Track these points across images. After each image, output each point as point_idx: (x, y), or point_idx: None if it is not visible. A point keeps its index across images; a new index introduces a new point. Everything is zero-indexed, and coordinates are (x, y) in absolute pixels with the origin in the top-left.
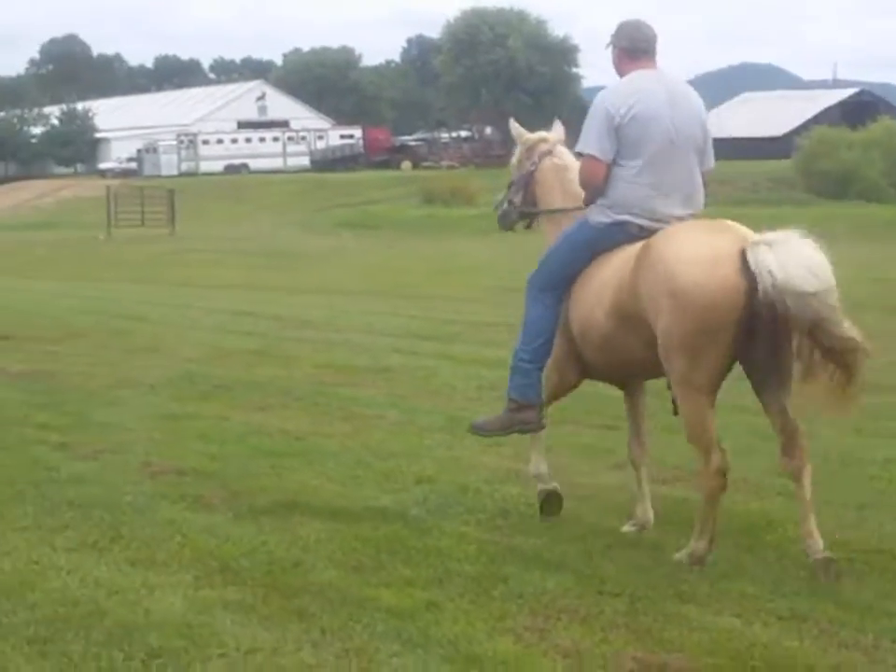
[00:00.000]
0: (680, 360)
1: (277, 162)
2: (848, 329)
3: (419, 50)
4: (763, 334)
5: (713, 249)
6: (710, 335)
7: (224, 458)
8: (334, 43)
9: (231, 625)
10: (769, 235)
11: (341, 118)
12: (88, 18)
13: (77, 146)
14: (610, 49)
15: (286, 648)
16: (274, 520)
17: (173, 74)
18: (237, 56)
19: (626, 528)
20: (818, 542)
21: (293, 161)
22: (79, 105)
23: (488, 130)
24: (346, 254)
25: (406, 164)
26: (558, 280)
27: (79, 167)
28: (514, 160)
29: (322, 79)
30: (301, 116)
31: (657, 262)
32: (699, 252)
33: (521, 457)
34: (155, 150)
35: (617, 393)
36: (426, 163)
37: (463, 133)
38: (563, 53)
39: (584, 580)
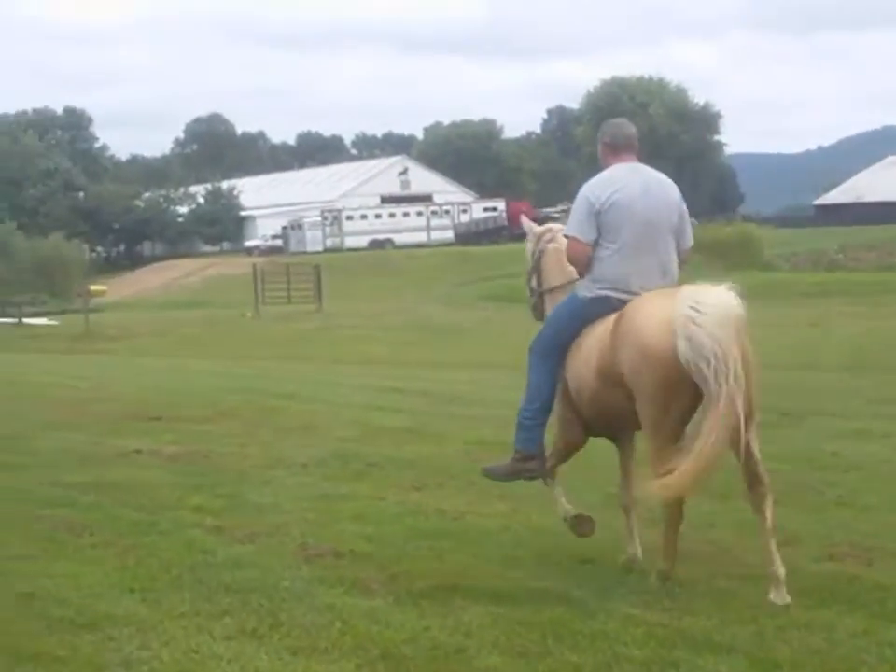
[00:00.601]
0: (650, 409)
1: (421, 236)
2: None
3: (559, 121)
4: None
5: (670, 317)
6: (673, 387)
7: (381, 540)
8: (475, 115)
9: None
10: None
11: (482, 190)
12: (231, 96)
13: (223, 224)
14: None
15: None
16: (435, 604)
17: (315, 150)
18: (379, 131)
19: (621, 560)
20: (780, 568)
21: (437, 235)
22: (224, 184)
23: None
24: (491, 328)
25: None
26: (553, 347)
27: (225, 245)
28: (528, 251)
29: (463, 152)
30: (444, 189)
31: (629, 328)
32: (662, 317)
33: (686, 537)
34: (300, 227)
35: (777, 466)
36: None
37: None
38: (704, 120)
39: (757, 664)
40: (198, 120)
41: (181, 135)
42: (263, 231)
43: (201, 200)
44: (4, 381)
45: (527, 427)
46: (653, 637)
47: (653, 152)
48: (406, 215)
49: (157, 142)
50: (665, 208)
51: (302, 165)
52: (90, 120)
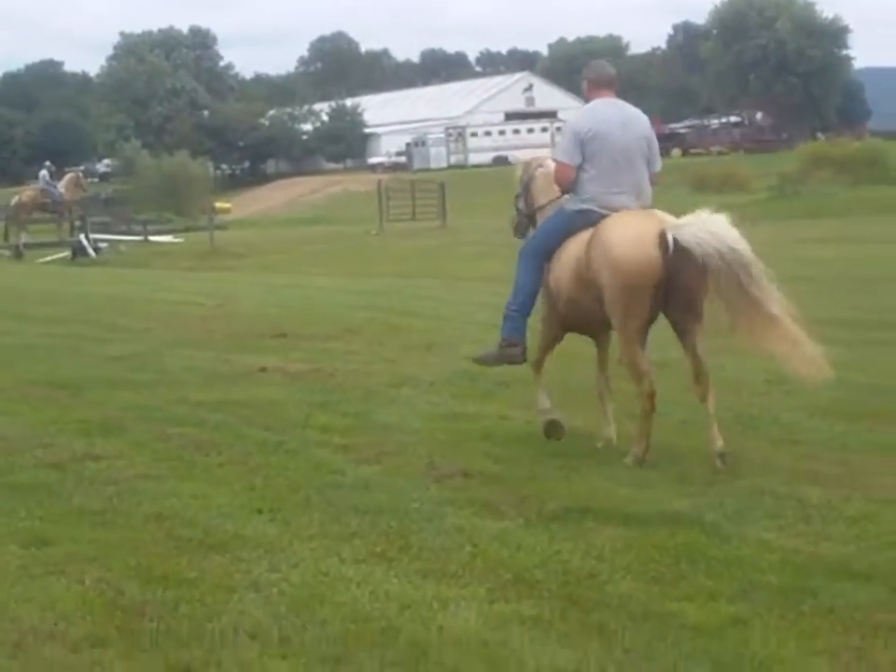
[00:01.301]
0: (617, 312)
1: (545, 153)
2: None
3: (686, 37)
4: (676, 294)
5: (639, 232)
6: (636, 294)
7: (510, 460)
8: (600, 31)
9: (529, 644)
10: (682, 219)
11: None
12: (355, 15)
13: (347, 141)
14: (583, 79)
15: (588, 669)
16: (566, 527)
17: (439, 67)
18: (503, 48)
19: (599, 444)
20: (718, 441)
21: None
22: (348, 102)
23: (758, 115)
24: None
25: (675, 152)
26: (540, 251)
27: (349, 162)
28: (517, 178)
29: None
30: (568, 106)
31: (601, 241)
32: (628, 234)
33: (818, 458)
34: (424, 144)
35: None
36: (695, 150)
37: (732, 119)
38: (832, 35)
39: None
40: (322, 38)
41: (305, 54)
42: (387, 149)
43: (325, 117)
44: (134, 299)
45: (512, 318)
46: (789, 563)
47: (780, 68)
48: (530, 131)
49: (281, 60)
50: (638, 138)
51: (426, 82)
52: (214, 39)
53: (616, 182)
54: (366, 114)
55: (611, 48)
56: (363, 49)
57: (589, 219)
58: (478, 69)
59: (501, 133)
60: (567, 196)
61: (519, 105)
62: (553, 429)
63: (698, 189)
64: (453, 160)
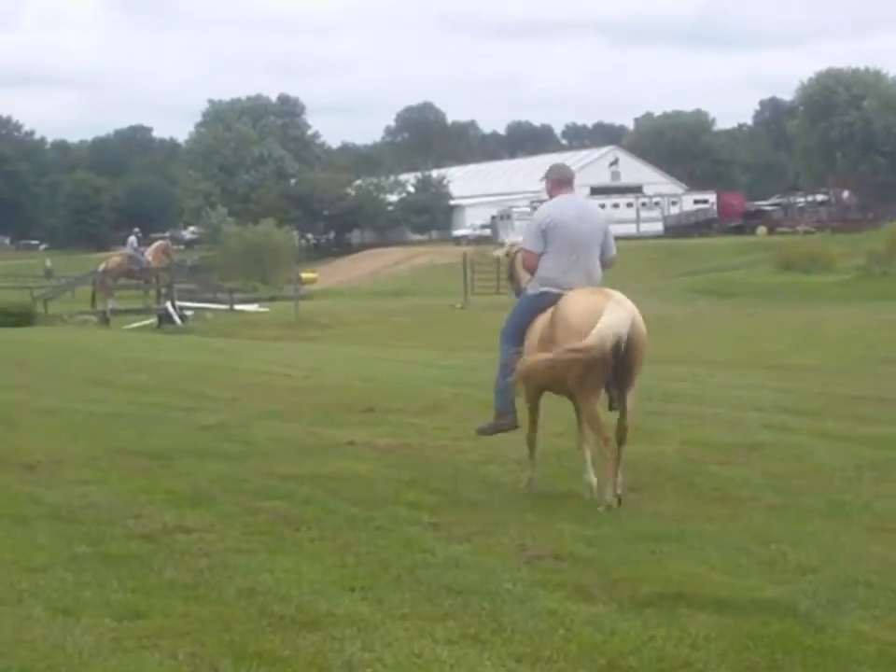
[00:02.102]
0: (577, 375)
1: (630, 228)
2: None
3: (772, 113)
4: (617, 360)
5: (589, 306)
6: (596, 362)
7: (600, 542)
8: (686, 106)
9: None
10: (621, 298)
11: (693, 182)
12: (442, 86)
13: (433, 213)
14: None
15: None
16: (660, 612)
17: (525, 140)
18: (589, 121)
19: (587, 494)
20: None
21: (646, 227)
22: (434, 173)
23: (845, 194)
24: (704, 322)
25: (761, 230)
26: (515, 331)
27: (434, 234)
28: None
29: (674, 143)
30: (654, 180)
31: (561, 315)
32: (580, 308)
33: None
34: (509, 217)
35: None
36: (781, 228)
37: (819, 197)
38: None
39: None
40: (409, 109)
41: (392, 124)
42: (472, 221)
43: (411, 188)
44: (221, 368)
45: (501, 391)
46: (886, 655)
47: (867, 146)
48: (616, 206)
49: (368, 130)
50: (592, 229)
51: (512, 155)
52: (302, 108)
53: (570, 266)
54: (451, 185)
55: (697, 123)
56: (450, 120)
57: (549, 300)
58: (564, 142)
59: None
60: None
61: (605, 179)
62: (530, 484)
63: (785, 268)
64: None
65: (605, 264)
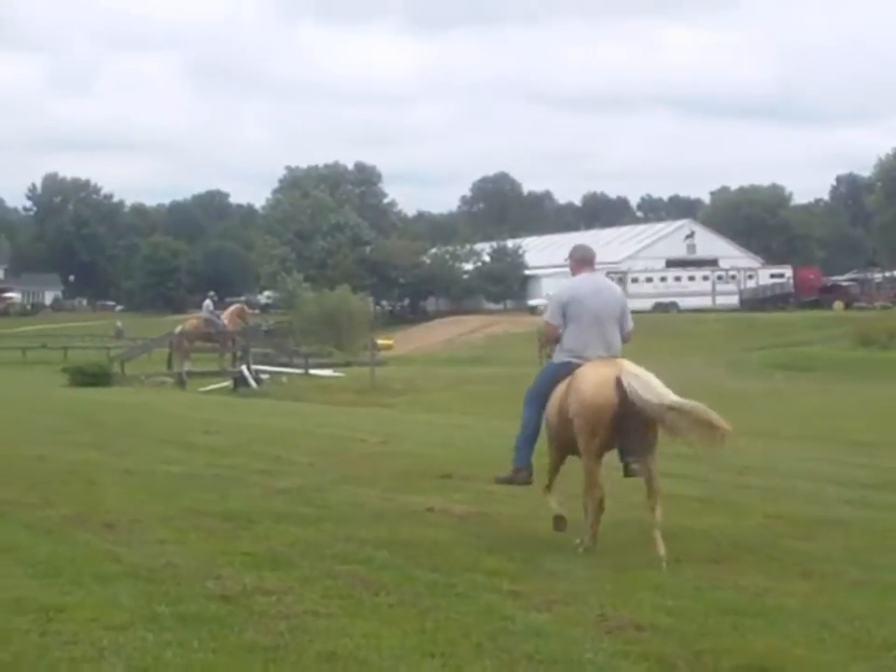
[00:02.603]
0: (583, 438)
1: (706, 301)
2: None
3: (849, 189)
4: (631, 425)
5: (600, 377)
6: (597, 425)
7: (681, 613)
8: (762, 181)
9: None
10: (633, 369)
11: (769, 256)
12: (518, 156)
13: (508, 282)
14: (568, 259)
15: None
16: None
17: (600, 211)
18: (664, 194)
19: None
20: (661, 548)
21: (722, 300)
22: (510, 243)
23: None
24: (780, 396)
25: (838, 304)
26: (539, 394)
27: (509, 303)
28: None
29: (750, 217)
30: (729, 254)
31: (575, 385)
32: (592, 379)
33: None
34: None
35: None
36: (858, 304)
37: None
38: None
39: None
40: (485, 179)
41: (468, 193)
42: (547, 290)
43: (486, 257)
44: (297, 432)
45: (520, 448)
46: None
47: None
48: (692, 279)
49: (444, 199)
50: (609, 304)
51: (588, 226)
52: (379, 176)
53: (589, 338)
54: (527, 255)
55: (774, 197)
56: (525, 190)
57: (569, 368)
58: (639, 214)
59: (662, 279)
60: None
61: (680, 252)
62: (558, 523)
63: (863, 344)
64: None
65: (623, 338)
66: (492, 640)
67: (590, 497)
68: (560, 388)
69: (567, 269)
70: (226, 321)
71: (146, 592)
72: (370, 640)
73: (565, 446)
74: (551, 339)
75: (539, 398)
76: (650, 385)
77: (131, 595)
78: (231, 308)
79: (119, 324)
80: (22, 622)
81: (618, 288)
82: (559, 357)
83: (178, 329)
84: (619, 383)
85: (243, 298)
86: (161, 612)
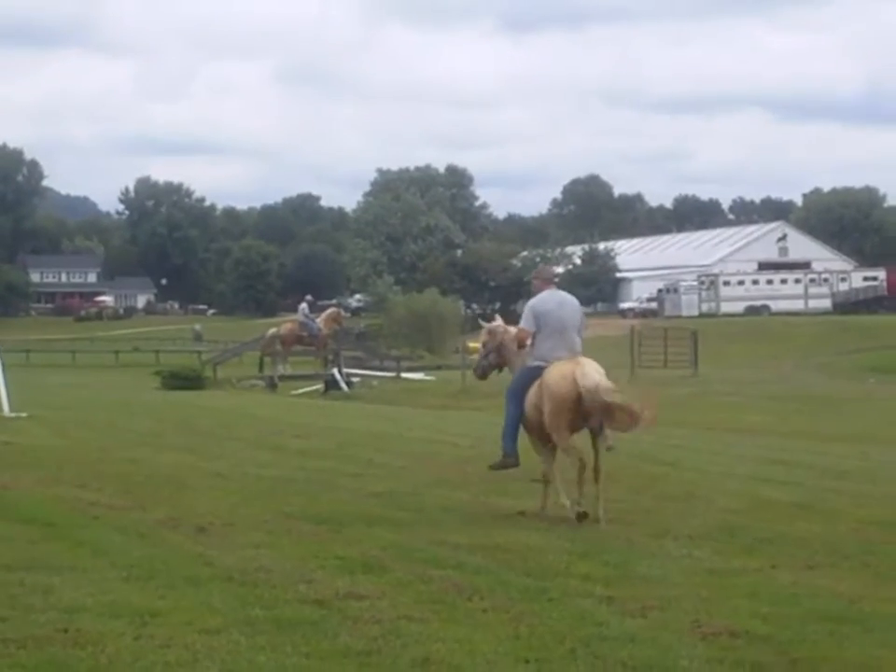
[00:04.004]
0: (552, 420)
1: (798, 304)
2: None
3: None
4: (589, 412)
5: (563, 373)
6: (563, 410)
7: (777, 620)
8: (856, 182)
9: None
10: (587, 367)
11: (862, 259)
12: (608, 159)
13: (599, 285)
14: (533, 278)
15: None
16: None
17: (692, 214)
18: (757, 196)
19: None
20: (601, 511)
21: (815, 303)
22: (601, 245)
23: None
24: (875, 400)
25: None
26: (517, 392)
27: (600, 306)
28: (483, 338)
29: (844, 220)
30: (822, 257)
31: (544, 380)
32: (557, 375)
33: None
34: (676, 291)
35: None
36: None
37: None
38: None
39: None
40: (575, 181)
41: (559, 196)
42: (638, 294)
43: (577, 260)
44: (388, 435)
45: (507, 438)
46: None
47: None
48: (783, 282)
49: (534, 201)
50: (572, 315)
51: (679, 228)
52: (470, 179)
53: (556, 344)
54: (618, 258)
55: (868, 199)
56: (616, 192)
57: (541, 371)
58: (731, 217)
59: (754, 282)
60: (527, 351)
61: (772, 254)
62: (580, 517)
63: None
64: (704, 308)
65: (580, 340)
66: (586, 646)
67: (570, 461)
68: (533, 389)
69: (657, 272)
70: (321, 325)
71: (239, 595)
72: (463, 646)
73: (538, 430)
74: (522, 341)
75: (516, 395)
76: (594, 379)
77: (224, 598)
78: (327, 312)
79: (197, 327)
80: (117, 625)
81: (576, 301)
82: (532, 362)
83: (270, 332)
84: (575, 376)
85: (334, 301)
86: (255, 616)
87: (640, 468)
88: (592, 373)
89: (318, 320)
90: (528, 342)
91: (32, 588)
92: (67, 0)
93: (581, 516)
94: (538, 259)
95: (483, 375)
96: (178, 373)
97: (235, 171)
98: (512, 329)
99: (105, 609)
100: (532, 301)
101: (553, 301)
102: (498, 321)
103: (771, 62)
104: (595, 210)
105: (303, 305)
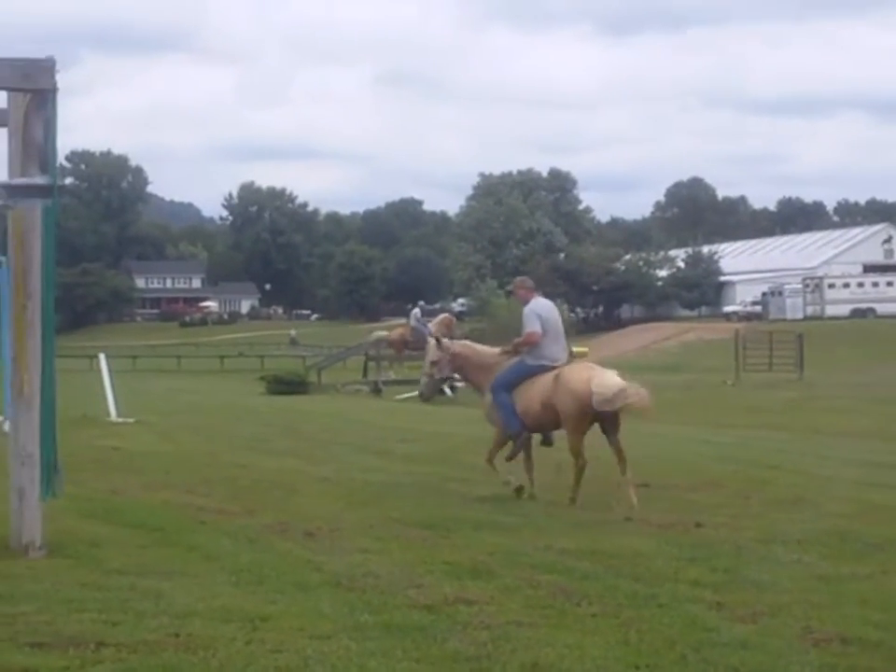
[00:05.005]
0: (574, 423)
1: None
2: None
3: None
4: (606, 413)
5: (587, 376)
6: (586, 412)
7: (890, 627)
8: None
9: None
10: (603, 372)
11: None
12: (710, 161)
13: (702, 288)
14: (518, 288)
15: None
16: None
17: (796, 216)
18: (861, 198)
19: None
20: (633, 499)
21: None
22: (704, 249)
23: None
24: None
25: None
26: (508, 385)
27: (703, 310)
28: (433, 355)
29: None
30: None
31: (566, 381)
32: (581, 378)
33: None
34: (780, 294)
35: None
36: None
37: None
38: None
39: None
40: (678, 184)
41: (661, 199)
42: (742, 297)
43: (681, 264)
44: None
45: (510, 420)
46: None
47: None
48: (890, 284)
49: (637, 204)
50: (560, 321)
51: (783, 231)
52: (574, 183)
53: (556, 346)
54: (722, 262)
55: None
56: (720, 195)
57: (540, 369)
58: (835, 219)
59: (860, 285)
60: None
61: (878, 256)
62: (518, 491)
63: None
64: (809, 311)
65: None
66: (696, 652)
67: (576, 465)
68: (540, 384)
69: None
70: (433, 330)
71: (348, 601)
72: (573, 651)
73: (531, 425)
74: (533, 343)
75: (509, 387)
76: (619, 384)
77: (333, 604)
78: (440, 317)
79: (293, 332)
80: (228, 629)
81: (555, 306)
82: (536, 360)
83: (374, 336)
84: (595, 380)
85: (436, 305)
86: (364, 621)
87: (747, 472)
88: (614, 378)
89: (430, 325)
90: (537, 342)
91: (143, 593)
92: (170, 9)
93: (519, 490)
94: (640, 263)
95: (431, 397)
96: (283, 378)
97: (337, 175)
98: (466, 343)
99: (215, 613)
100: (531, 306)
101: (546, 307)
102: (418, 312)
103: (873, 62)
104: (698, 213)
105: (416, 311)
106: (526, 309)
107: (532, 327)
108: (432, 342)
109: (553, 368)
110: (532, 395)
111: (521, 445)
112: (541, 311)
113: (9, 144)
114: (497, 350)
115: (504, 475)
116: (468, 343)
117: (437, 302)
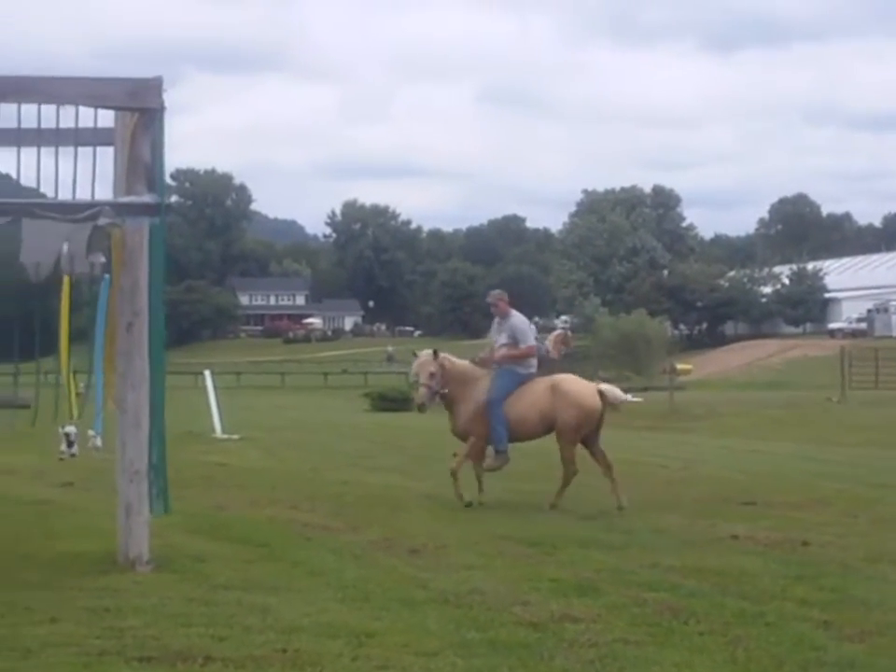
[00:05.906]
0: (573, 433)
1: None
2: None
3: None
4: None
5: (589, 388)
6: (587, 422)
7: None
8: None
9: None
10: (603, 385)
11: None
12: (814, 177)
13: (807, 305)
14: (498, 300)
15: None
16: None
17: None
18: None
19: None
20: (622, 498)
21: None
22: (809, 265)
23: None
24: None
25: None
26: (502, 396)
27: (808, 326)
28: (430, 368)
29: None
30: None
31: (566, 392)
32: (586, 389)
33: None
34: (886, 310)
35: None
36: None
37: None
38: None
39: None
40: (783, 201)
41: (766, 215)
42: (847, 314)
43: (785, 280)
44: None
45: (500, 437)
46: None
47: None
48: None
49: (741, 221)
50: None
51: (889, 248)
52: (677, 200)
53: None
54: (827, 278)
55: None
56: (824, 212)
57: (531, 377)
58: None
59: None
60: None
61: None
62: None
63: None
64: None
65: None
66: (804, 670)
67: (566, 473)
68: (534, 393)
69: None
70: (549, 346)
71: (454, 618)
72: (681, 669)
73: (520, 434)
74: (532, 356)
75: (503, 398)
76: (620, 395)
77: (439, 620)
78: (555, 334)
79: (389, 349)
80: (334, 645)
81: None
82: (525, 369)
83: (480, 355)
84: (601, 392)
85: (537, 321)
86: (470, 638)
87: (854, 491)
88: (615, 389)
89: (546, 341)
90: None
91: (249, 608)
92: (272, 28)
93: (468, 504)
94: (744, 280)
95: (428, 408)
96: (387, 395)
97: (439, 193)
98: (453, 358)
99: (321, 629)
100: (523, 320)
101: (526, 320)
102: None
103: None
104: (803, 229)
105: (532, 327)
106: (522, 323)
107: (532, 340)
108: (425, 354)
109: (533, 377)
110: (527, 405)
111: (504, 460)
112: (528, 323)
113: (116, 162)
114: (467, 362)
115: (460, 489)
116: (446, 355)
117: (540, 319)
